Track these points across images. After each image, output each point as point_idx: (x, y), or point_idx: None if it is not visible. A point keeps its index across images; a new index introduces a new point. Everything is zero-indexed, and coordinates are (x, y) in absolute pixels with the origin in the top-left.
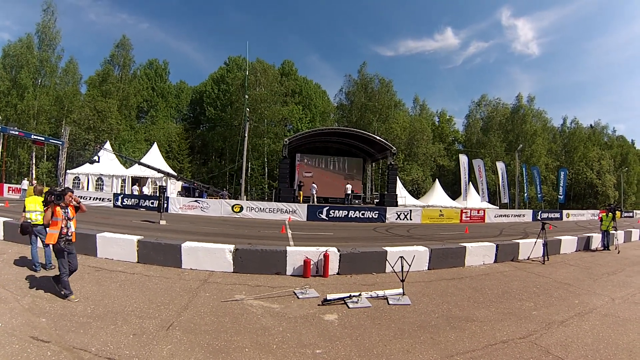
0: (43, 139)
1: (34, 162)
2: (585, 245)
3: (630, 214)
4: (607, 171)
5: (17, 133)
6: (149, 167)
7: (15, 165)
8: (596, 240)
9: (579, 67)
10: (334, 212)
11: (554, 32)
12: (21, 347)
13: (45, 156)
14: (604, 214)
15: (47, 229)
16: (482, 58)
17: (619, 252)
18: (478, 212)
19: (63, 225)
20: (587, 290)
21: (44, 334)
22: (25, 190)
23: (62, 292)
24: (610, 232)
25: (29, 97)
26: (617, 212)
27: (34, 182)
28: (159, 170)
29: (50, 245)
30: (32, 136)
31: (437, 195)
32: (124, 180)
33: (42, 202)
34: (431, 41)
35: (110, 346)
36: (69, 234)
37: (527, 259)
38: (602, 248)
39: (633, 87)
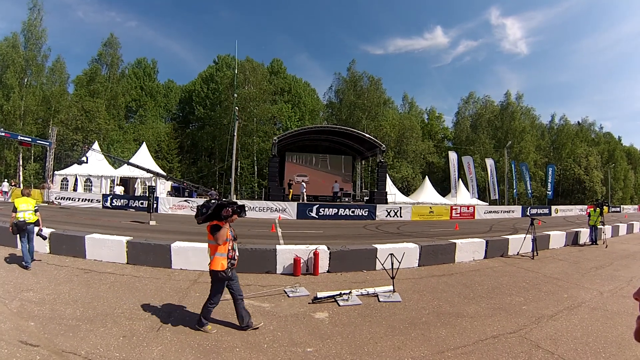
0: (30, 140)
1: (21, 163)
2: (573, 240)
3: (618, 209)
4: (594, 167)
5: (3, 134)
6: (138, 167)
7: (2, 166)
8: (584, 235)
9: (567, 66)
10: (323, 210)
11: (542, 32)
12: (10, 352)
13: (33, 157)
14: (592, 209)
15: (215, 252)
16: (471, 57)
17: (606, 247)
18: (468, 209)
19: (230, 248)
20: (576, 284)
21: (33, 337)
22: (6, 192)
23: (202, 324)
24: (598, 227)
25: (15, 98)
26: (604, 207)
27: (29, 186)
28: (148, 170)
29: (211, 272)
30: (19, 137)
31: (427, 192)
32: (112, 181)
33: (200, 215)
34: (421, 40)
35: (100, 349)
36: (235, 258)
37: (517, 255)
38: (590, 243)
39: (620, 85)
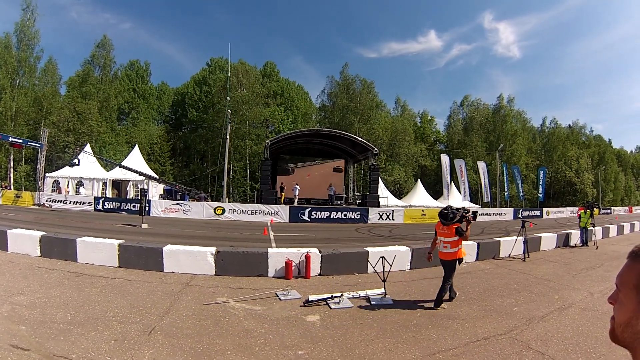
0: (21, 141)
1: (11, 165)
2: (564, 242)
3: (608, 211)
4: (585, 170)
5: None
6: (130, 169)
7: None
8: (575, 236)
9: (559, 70)
10: (316, 214)
11: (535, 36)
12: (1, 356)
13: (24, 159)
14: (583, 211)
15: (459, 245)
16: (465, 60)
17: (597, 248)
18: None
19: None
20: (567, 285)
21: (24, 341)
22: None
23: (440, 304)
24: (589, 228)
25: (6, 98)
26: (595, 209)
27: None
28: (140, 173)
29: (456, 260)
30: (10, 138)
31: (419, 195)
32: (104, 184)
33: (450, 219)
34: (414, 43)
35: (91, 352)
36: None
37: (508, 257)
38: (581, 244)
39: (611, 89)
